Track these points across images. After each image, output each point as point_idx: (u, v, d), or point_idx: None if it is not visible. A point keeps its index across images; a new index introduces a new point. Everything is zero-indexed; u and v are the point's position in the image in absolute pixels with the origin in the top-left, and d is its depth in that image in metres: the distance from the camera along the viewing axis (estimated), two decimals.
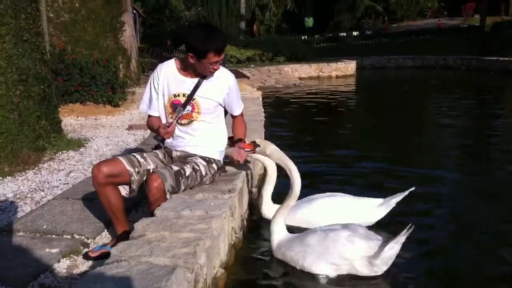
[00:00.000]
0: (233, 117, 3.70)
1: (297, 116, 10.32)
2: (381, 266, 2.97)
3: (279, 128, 8.35)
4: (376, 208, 3.76)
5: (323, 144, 7.14)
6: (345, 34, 37.57)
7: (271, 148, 3.63)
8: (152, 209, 3.01)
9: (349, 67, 19.86)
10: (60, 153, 5.78)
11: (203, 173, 3.35)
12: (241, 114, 3.72)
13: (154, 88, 3.40)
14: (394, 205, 3.74)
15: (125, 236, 2.99)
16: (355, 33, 37.99)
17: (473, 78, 18.35)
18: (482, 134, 8.28)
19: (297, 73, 18.60)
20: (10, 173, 4.88)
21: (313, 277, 3.10)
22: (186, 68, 3.34)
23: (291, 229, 3.50)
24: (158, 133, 3.34)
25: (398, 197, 3.72)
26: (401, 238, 2.89)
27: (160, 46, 22.75)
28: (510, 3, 33.78)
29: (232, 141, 3.69)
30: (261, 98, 9.00)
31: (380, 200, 3.78)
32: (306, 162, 6.00)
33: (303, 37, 33.71)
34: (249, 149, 3.64)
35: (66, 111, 8.31)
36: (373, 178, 5.32)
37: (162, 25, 41.18)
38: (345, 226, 3.17)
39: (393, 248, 2.92)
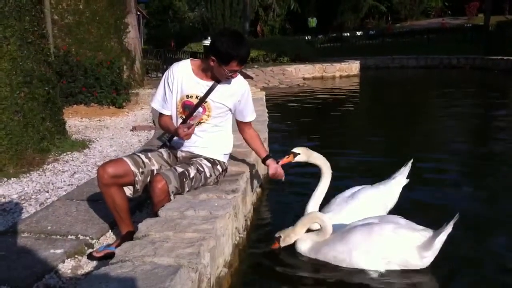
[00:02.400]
0: (242, 124, 3.63)
1: (300, 116, 10.31)
2: (430, 257, 3.00)
3: (283, 128, 8.36)
4: (395, 187, 3.84)
5: (327, 144, 7.14)
6: (348, 34, 37.62)
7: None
8: (156, 210, 3.02)
9: (352, 67, 19.87)
10: (65, 154, 5.80)
11: (208, 174, 3.35)
12: (251, 124, 3.68)
13: (169, 86, 3.37)
14: (406, 180, 3.86)
15: (129, 236, 3.00)
16: (358, 33, 38.03)
17: (477, 78, 18.34)
18: (484, 132, 8.29)
19: (301, 74, 18.61)
20: (14, 175, 4.89)
21: (315, 275, 3.11)
22: (201, 70, 3.33)
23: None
24: (175, 133, 3.31)
25: (405, 171, 3.88)
26: (449, 228, 2.91)
27: (164, 47, 22.75)
28: None
29: (261, 158, 3.72)
30: (264, 99, 9.00)
31: (393, 180, 3.88)
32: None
33: (306, 38, 33.71)
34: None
35: (70, 112, 8.34)
36: (377, 172, 5.35)
37: (166, 26, 41.22)
38: (383, 219, 3.20)
39: (442, 239, 2.95)
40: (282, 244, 3.38)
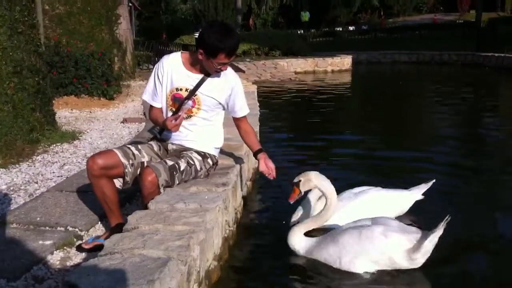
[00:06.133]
0: (236, 120, 3.58)
1: (292, 110, 10.33)
2: (420, 259, 2.99)
3: (274, 122, 8.36)
4: (406, 199, 3.82)
5: (318, 138, 7.15)
6: (341, 29, 37.66)
7: (319, 178, 3.37)
8: (146, 202, 3.01)
9: (344, 62, 19.88)
10: (54, 145, 5.77)
11: (198, 167, 3.35)
12: (246, 119, 3.61)
13: (159, 79, 3.35)
14: (421, 196, 3.82)
15: (118, 228, 2.99)
16: (351, 28, 38.09)
17: (468, 74, 18.39)
18: (474, 127, 8.34)
19: (293, 68, 18.58)
20: (3, 165, 4.86)
21: (310, 271, 3.12)
22: (192, 63, 3.31)
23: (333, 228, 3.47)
24: (163, 126, 3.29)
25: (423, 188, 3.82)
26: (440, 230, 2.90)
27: (155, 39, 22.66)
28: None
29: (253, 152, 3.61)
30: (256, 92, 8.99)
31: (408, 191, 3.84)
32: (301, 154, 6.11)
33: (299, 32, 33.69)
34: (297, 195, 3.44)
35: (60, 103, 8.29)
36: (368, 167, 5.43)
37: (158, 18, 41.01)
38: (375, 221, 3.18)
39: (433, 240, 2.93)
40: (303, 188, 3.34)
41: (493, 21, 26.33)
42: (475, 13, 27.72)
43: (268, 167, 3.50)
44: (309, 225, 3.34)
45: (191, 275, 2.38)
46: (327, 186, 3.34)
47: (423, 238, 2.94)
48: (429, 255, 3.00)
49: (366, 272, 3.04)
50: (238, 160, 3.95)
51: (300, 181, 3.37)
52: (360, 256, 3.03)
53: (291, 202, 3.46)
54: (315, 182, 3.34)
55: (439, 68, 21.06)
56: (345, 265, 3.07)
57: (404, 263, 3.01)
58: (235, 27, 28.28)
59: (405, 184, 3.98)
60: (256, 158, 3.60)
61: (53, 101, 6.56)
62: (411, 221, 3.46)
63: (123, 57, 11.92)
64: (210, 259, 2.83)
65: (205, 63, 3.19)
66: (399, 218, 3.54)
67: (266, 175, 3.52)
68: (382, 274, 3.04)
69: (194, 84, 3.29)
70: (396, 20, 41.46)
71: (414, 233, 3.03)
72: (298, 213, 3.75)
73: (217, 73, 3.28)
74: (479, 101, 11.63)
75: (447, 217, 2.91)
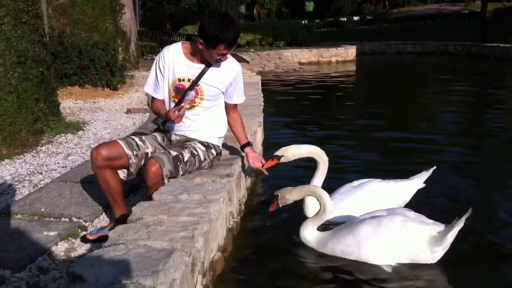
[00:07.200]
0: (228, 106, 3.55)
1: (296, 100, 10.29)
2: (440, 252, 2.95)
3: (278, 113, 8.34)
4: (408, 188, 3.77)
5: (322, 129, 7.14)
6: (345, 19, 37.44)
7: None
8: (150, 193, 3.01)
9: (349, 52, 19.79)
10: (59, 136, 5.78)
11: (202, 158, 3.34)
12: (236, 107, 3.62)
13: (160, 70, 3.35)
14: (422, 184, 3.78)
15: (123, 219, 2.99)
16: (355, 18, 37.85)
17: (473, 64, 18.30)
18: (478, 119, 8.31)
19: (297, 58, 18.52)
20: (8, 156, 4.87)
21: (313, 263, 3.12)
22: (193, 53, 3.29)
23: (335, 221, 3.49)
24: (166, 117, 3.27)
25: (424, 176, 3.77)
26: (461, 223, 2.85)
27: (159, 29, 22.58)
28: None
29: (240, 145, 3.64)
30: (260, 83, 8.96)
31: (408, 180, 3.80)
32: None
33: (303, 22, 33.50)
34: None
35: (64, 94, 8.30)
36: (372, 160, 5.38)
37: (162, 8, 40.83)
38: (392, 211, 3.15)
39: (454, 234, 2.89)
40: (281, 203, 3.38)
41: (498, 12, 26.17)
42: (481, 3, 27.55)
43: (255, 162, 3.55)
44: (320, 220, 3.30)
45: (195, 266, 2.38)
46: (306, 191, 3.37)
47: (445, 231, 2.89)
48: (447, 249, 2.95)
49: (386, 265, 2.99)
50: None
51: (277, 195, 3.39)
52: (380, 247, 2.99)
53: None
54: (290, 199, 3.37)
55: (443, 58, 20.95)
56: (364, 256, 3.03)
57: (424, 256, 2.96)
58: (239, 18, 28.28)
59: (411, 172, 3.93)
60: (242, 151, 3.62)
61: (57, 92, 6.55)
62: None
63: (127, 47, 11.90)
64: (214, 250, 2.83)
65: (205, 53, 3.18)
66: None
67: (255, 167, 3.57)
68: (402, 268, 2.99)
69: (196, 74, 3.28)
70: (401, 10, 41.21)
71: (433, 225, 2.99)
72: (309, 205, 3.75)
73: (217, 62, 3.26)
74: (484, 92, 11.55)
75: (469, 210, 2.83)
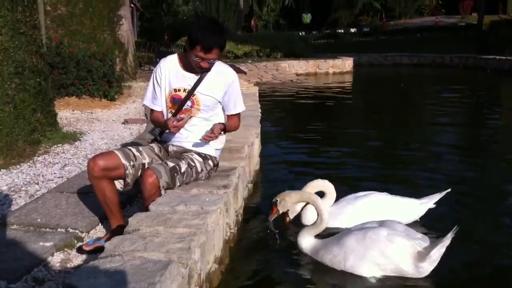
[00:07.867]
0: (229, 119, 3.52)
1: (293, 112, 10.32)
2: (427, 267, 2.93)
3: (275, 124, 8.35)
4: (417, 207, 3.76)
5: (319, 140, 7.15)
6: (342, 31, 37.61)
7: (291, 196, 3.43)
8: (147, 204, 3.00)
9: (346, 64, 19.87)
10: (55, 146, 5.77)
11: (199, 169, 3.33)
12: (237, 116, 3.54)
13: (157, 82, 3.36)
14: (432, 205, 3.77)
15: (119, 230, 2.98)
16: (352, 30, 38.03)
17: (469, 77, 18.37)
18: (475, 131, 8.32)
19: (294, 69, 18.59)
20: (4, 166, 4.86)
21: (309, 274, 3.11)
22: (188, 63, 3.32)
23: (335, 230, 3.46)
24: (165, 126, 3.28)
25: (436, 198, 3.76)
26: (448, 240, 2.85)
27: (157, 40, 22.64)
28: (507, 1, 33.83)
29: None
30: (257, 94, 8.97)
31: (419, 200, 3.79)
32: (302, 155, 6.18)
33: (300, 33, 33.63)
34: (275, 214, 3.47)
35: (62, 104, 8.29)
36: (370, 170, 5.45)
37: (160, 19, 41.00)
38: (382, 224, 3.14)
39: (440, 250, 2.88)
40: (280, 208, 3.38)
41: (494, 24, 26.28)
42: (477, 16, 27.71)
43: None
44: (316, 230, 3.31)
45: (192, 278, 2.37)
46: (306, 197, 3.39)
47: (431, 246, 2.88)
48: (435, 264, 2.93)
49: (372, 277, 2.99)
50: (239, 162, 3.94)
51: (277, 200, 3.40)
52: (364, 259, 2.99)
53: (270, 220, 3.48)
54: (289, 201, 3.39)
55: (440, 70, 21.02)
56: (350, 267, 3.04)
57: (409, 270, 2.94)
58: (236, 29, 28.36)
59: (406, 186, 3.94)
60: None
61: (55, 102, 6.55)
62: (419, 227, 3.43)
63: (124, 58, 11.91)
64: (211, 262, 2.82)
65: (189, 56, 3.18)
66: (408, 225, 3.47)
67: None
68: (388, 280, 2.99)
69: (192, 84, 3.28)
70: (397, 22, 41.37)
71: (420, 240, 2.98)
72: (307, 214, 3.74)
73: (198, 68, 3.21)
74: (481, 104, 11.59)
75: (455, 227, 2.85)
